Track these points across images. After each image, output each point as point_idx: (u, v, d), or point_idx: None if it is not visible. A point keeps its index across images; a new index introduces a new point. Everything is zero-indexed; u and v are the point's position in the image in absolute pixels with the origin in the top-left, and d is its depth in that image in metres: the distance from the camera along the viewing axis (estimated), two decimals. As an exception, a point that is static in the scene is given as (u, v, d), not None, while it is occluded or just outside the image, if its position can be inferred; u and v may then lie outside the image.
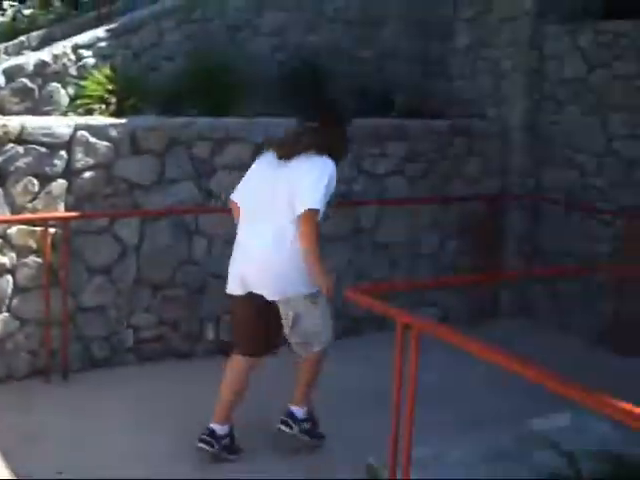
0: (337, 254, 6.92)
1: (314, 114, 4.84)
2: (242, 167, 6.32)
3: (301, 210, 4.44)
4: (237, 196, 4.84)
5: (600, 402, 2.67)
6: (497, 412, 5.44)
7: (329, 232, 6.84)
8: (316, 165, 4.57)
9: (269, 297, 4.63)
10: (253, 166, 4.88)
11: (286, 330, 4.71)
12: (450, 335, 3.39)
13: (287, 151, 4.63)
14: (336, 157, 4.71)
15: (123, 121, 6.28)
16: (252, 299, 4.66)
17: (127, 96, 7.05)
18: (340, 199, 6.90)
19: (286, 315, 4.66)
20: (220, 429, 4.76)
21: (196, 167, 6.42)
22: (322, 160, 4.60)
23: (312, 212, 4.45)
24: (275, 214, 4.56)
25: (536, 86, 7.82)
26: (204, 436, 4.73)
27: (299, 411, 4.91)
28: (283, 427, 4.90)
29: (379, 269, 7.18)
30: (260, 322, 4.73)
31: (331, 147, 4.69)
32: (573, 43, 7.58)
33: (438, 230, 7.52)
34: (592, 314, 7.31)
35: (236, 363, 4.80)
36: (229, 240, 4.99)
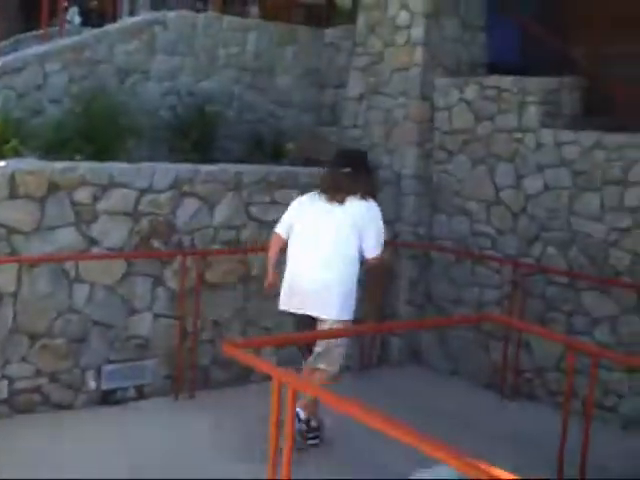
0: (225, 303, 6.80)
1: (354, 163, 5.73)
2: (126, 213, 6.28)
3: (374, 254, 5.56)
4: (283, 229, 5.75)
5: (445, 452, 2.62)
6: (383, 463, 5.35)
7: (216, 280, 6.74)
8: (374, 212, 5.60)
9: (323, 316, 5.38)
10: (299, 205, 5.76)
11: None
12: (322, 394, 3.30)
13: (342, 196, 5.51)
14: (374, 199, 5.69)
15: (2, 164, 6.05)
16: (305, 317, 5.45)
17: (7, 139, 6.82)
18: (228, 246, 6.84)
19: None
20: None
21: (77, 213, 6.21)
22: (375, 207, 5.63)
23: (381, 255, 5.62)
24: (334, 244, 5.43)
25: (427, 135, 7.91)
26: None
27: (302, 412, 5.42)
28: (311, 442, 5.54)
29: (269, 317, 7.06)
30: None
31: (372, 191, 5.76)
32: (461, 96, 7.71)
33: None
34: (481, 360, 7.35)
35: None
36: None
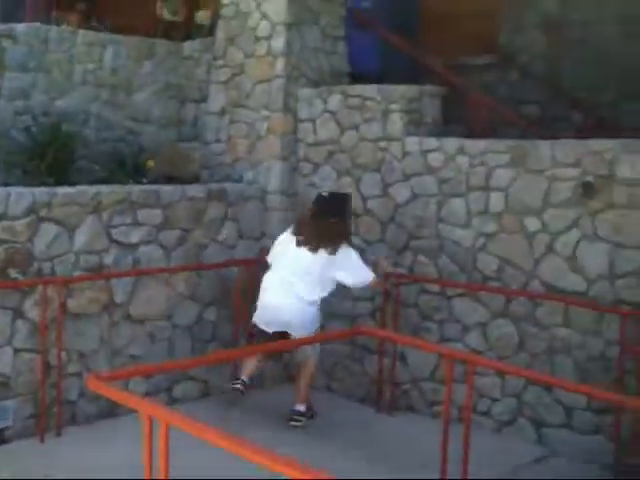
0: (90, 332, 6.48)
1: (339, 211, 6.69)
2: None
3: (370, 279, 6.46)
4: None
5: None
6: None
7: (79, 309, 6.41)
8: (349, 251, 6.40)
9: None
10: (284, 240, 6.62)
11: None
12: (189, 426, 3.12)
13: (316, 246, 6.32)
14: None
15: None
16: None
17: None
18: (91, 272, 6.51)
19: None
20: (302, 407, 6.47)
21: None
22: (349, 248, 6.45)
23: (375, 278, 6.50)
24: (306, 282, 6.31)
25: (292, 148, 7.79)
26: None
27: (302, 407, 6.46)
28: (294, 423, 6.40)
29: (136, 345, 6.78)
30: None
31: (349, 237, 6.71)
32: (325, 106, 7.63)
33: (197, 299, 7.24)
34: (357, 373, 7.28)
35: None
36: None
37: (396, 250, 7.07)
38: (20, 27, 8.05)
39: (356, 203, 7.30)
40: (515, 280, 6.37)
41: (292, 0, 7.83)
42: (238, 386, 6.40)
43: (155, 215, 6.95)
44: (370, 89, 7.38)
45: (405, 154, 7.07)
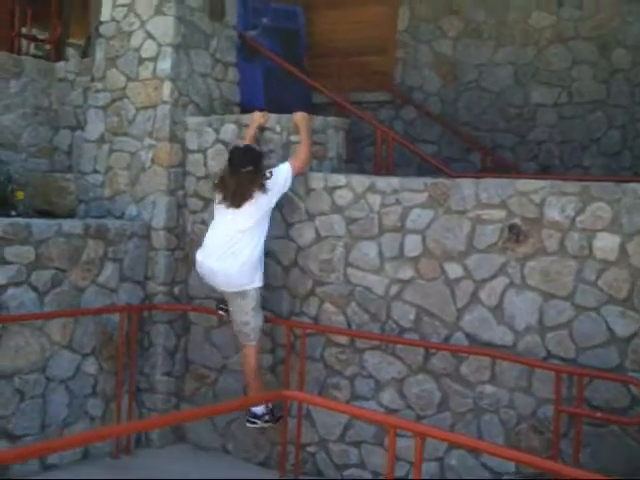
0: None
1: (251, 159, 6.12)
2: None
3: (290, 164, 6.22)
4: None
5: None
6: None
7: None
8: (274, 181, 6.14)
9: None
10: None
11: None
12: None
13: (239, 201, 6.01)
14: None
15: None
16: None
17: None
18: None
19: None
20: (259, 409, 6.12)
21: None
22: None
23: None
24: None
25: (179, 182, 7.05)
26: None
27: (259, 409, 6.10)
28: (249, 424, 6.17)
29: (3, 405, 5.82)
30: None
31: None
32: (217, 137, 6.94)
33: (74, 349, 6.34)
34: (256, 434, 6.53)
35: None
36: None
37: (300, 297, 6.41)
38: None
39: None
40: (435, 331, 5.80)
41: (180, 19, 7.17)
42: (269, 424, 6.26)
43: (26, 253, 6.04)
44: (270, 119, 6.73)
45: (309, 191, 6.45)
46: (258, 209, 6.04)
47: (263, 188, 6.03)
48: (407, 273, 5.95)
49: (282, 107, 8.68)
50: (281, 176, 6.14)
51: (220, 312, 6.43)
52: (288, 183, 6.20)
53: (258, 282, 6.11)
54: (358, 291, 6.14)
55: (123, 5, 7.40)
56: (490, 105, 9.00)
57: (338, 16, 9.88)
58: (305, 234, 6.44)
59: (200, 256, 6.19)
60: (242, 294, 6.04)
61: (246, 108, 7.74)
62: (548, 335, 5.40)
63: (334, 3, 9.90)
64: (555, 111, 8.68)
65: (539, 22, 8.85)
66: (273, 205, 6.17)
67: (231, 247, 5.99)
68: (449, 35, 9.29)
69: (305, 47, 9.83)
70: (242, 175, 6.02)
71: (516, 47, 8.93)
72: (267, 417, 6.14)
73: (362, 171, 8.11)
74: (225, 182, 6.13)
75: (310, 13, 9.89)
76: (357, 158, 8.48)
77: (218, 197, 6.18)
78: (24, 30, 9.51)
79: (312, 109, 9.07)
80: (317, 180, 6.43)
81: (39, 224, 6.23)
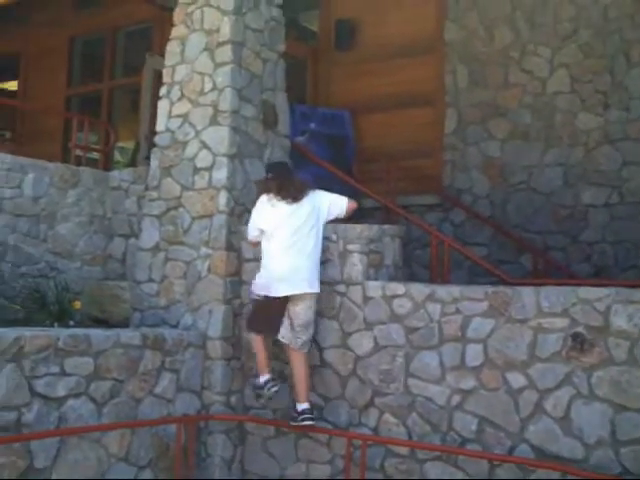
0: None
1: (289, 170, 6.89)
2: None
3: (344, 203, 6.72)
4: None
5: None
6: None
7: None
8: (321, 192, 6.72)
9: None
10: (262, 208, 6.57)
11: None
12: None
13: (299, 196, 6.50)
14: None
15: None
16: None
17: None
18: (5, 433, 5.50)
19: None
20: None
21: None
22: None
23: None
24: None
25: (235, 291, 7.06)
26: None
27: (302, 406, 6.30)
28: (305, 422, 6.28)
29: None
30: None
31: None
32: (273, 245, 6.98)
33: (131, 461, 6.26)
34: None
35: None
36: None
37: (359, 408, 6.33)
38: None
39: (312, 353, 6.56)
40: (499, 442, 5.68)
41: (235, 129, 7.28)
42: (274, 389, 6.43)
43: (85, 364, 6.04)
44: (326, 228, 6.76)
45: (367, 300, 6.43)
46: (313, 208, 6.50)
47: (312, 190, 6.61)
48: (469, 383, 5.86)
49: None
50: (337, 197, 6.71)
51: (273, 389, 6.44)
52: (338, 211, 6.64)
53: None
54: (419, 401, 6.05)
55: (178, 116, 7.56)
56: (540, 206, 9.01)
57: (385, 119, 10.03)
58: (364, 343, 6.39)
59: (281, 256, 6.36)
60: (313, 295, 6.38)
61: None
62: (622, 450, 5.25)
63: (381, 106, 10.06)
64: (607, 211, 8.67)
65: (586, 124, 8.91)
66: (323, 220, 6.58)
67: (296, 242, 6.35)
68: (497, 137, 9.37)
69: (353, 151, 9.98)
70: (295, 178, 6.69)
71: (564, 148, 8.99)
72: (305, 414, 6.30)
73: (413, 275, 8.11)
74: (283, 185, 6.52)
75: (357, 117, 10.07)
76: (407, 261, 8.47)
77: (276, 198, 6.49)
78: (77, 137, 9.71)
79: (361, 213, 9.18)
80: (375, 289, 6.41)
81: (98, 335, 6.24)
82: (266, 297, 6.38)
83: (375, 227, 6.80)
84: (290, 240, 6.35)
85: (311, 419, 6.27)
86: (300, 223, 6.39)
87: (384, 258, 6.76)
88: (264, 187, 6.70)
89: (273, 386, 6.38)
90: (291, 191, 6.49)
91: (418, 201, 9.42)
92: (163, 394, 6.57)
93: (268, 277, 6.39)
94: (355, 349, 6.42)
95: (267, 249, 6.48)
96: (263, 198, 6.60)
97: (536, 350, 5.63)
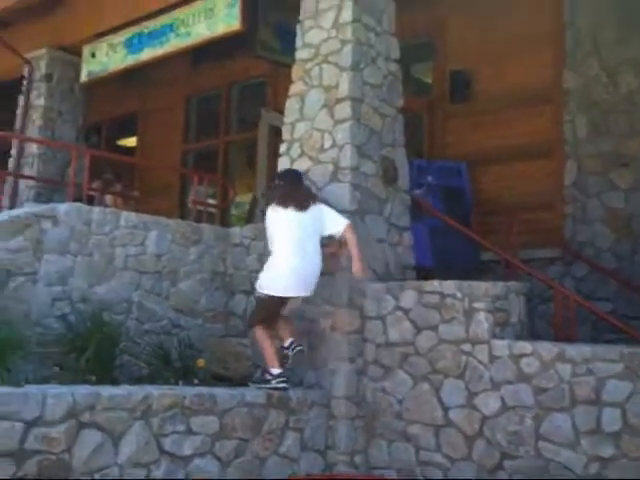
0: None
1: (299, 180, 7.18)
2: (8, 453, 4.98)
3: (341, 226, 6.90)
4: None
5: None
6: None
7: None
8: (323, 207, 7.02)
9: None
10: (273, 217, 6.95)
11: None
12: None
13: (304, 204, 6.89)
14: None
15: None
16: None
17: None
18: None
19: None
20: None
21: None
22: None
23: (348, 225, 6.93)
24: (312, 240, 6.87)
25: (359, 349, 6.99)
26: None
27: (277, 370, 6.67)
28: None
29: None
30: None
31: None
32: (396, 303, 6.90)
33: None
34: None
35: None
36: None
37: (486, 470, 6.14)
38: (62, 207, 7.42)
39: (435, 414, 6.42)
40: (642, 515, 5.42)
41: (355, 186, 7.28)
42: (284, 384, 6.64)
43: (211, 423, 6.06)
44: (449, 285, 6.66)
45: (493, 359, 6.27)
46: (314, 220, 6.84)
47: (316, 202, 6.97)
48: (607, 450, 5.61)
49: (450, 265, 8.69)
50: (337, 217, 6.95)
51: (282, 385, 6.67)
52: (334, 230, 6.90)
53: None
54: (553, 466, 5.83)
55: (299, 174, 7.60)
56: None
57: (503, 171, 9.87)
58: (490, 403, 6.22)
59: (291, 257, 6.73)
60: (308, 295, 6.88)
61: (414, 267, 7.75)
62: None
63: (498, 158, 9.90)
64: None
65: None
66: (320, 233, 6.89)
67: (300, 248, 6.75)
68: (620, 187, 9.09)
69: (471, 204, 9.84)
70: (302, 189, 7.04)
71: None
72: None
73: (535, 331, 7.88)
74: (288, 194, 6.92)
75: (475, 169, 9.95)
76: (529, 317, 8.26)
77: (280, 206, 6.88)
78: (197, 193, 9.90)
79: (480, 266, 9.04)
80: (501, 348, 6.26)
81: (223, 394, 6.25)
82: (269, 296, 6.74)
83: (500, 284, 6.65)
84: (294, 245, 6.75)
85: (286, 382, 6.63)
86: (303, 230, 6.80)
87: (510, 316, 6.60)
88: (269, 196, 7.40)
89: (282, 382, 6.62)
90: (295, 200, 6.87)
91: (538, 254, 9.18)
92: (287, 453, 6.53)
93: (273, 277, 6.78)
94: (482, 409, 6.25)
95: (273, 252, 6.88)
96: (269, 208, 7.04)
97: (680, 414, 5.38)
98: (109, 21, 10.89)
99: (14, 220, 7.14)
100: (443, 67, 10.67)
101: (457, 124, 10.37)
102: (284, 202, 6.87)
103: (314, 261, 6.79)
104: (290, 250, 6.74)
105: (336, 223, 6.88)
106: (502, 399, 6.18)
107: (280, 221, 6.86)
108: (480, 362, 6.33)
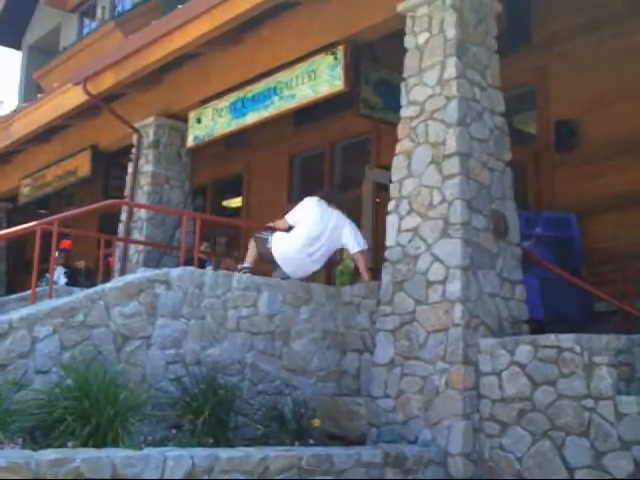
0: None
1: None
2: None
3: (355, 246, 8.69)
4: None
5: None
6: None
7: None
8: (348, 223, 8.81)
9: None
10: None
11: None
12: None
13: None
14: None
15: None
16: None
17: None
18: None
19: None
20: None
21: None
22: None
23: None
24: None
25: (474, 405, 6.83)
26: None
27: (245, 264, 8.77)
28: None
29: None
30: None
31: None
32: (511, 358, 6.73)
33: None
34: None
35: None
36: None
37: (620, 533, 5.88)
38: (174, 272, 7.55)
39: (559, 474, 6.20)
40: None
41: (466, 241, 7.19)
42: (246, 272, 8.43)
43: (332, 495, 6.00)
44: (566, 339, 6.45)
45: (620, 416, 6.02)
46: (335, 229, 8.62)
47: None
48: None
49: (562, 318, 8.46)
50: (356, 236, 8.71)
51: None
52: (349, 247, 8.76)
53: None
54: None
55: (408, 230, 7.58)
56: None
57: (615, 219, 9.58)
58: (621, 464, 5.95)
59: (297, 246, 8.53)
60: None
61: (526, 321, 7.58)
62: None
63: (610, 206, 9.62)
64: None
65: None
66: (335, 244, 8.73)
67: (312, 243, 8.55)
68: None
69: (580, 253, 9.60)
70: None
71: None
72: None
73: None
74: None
75: (584, 218, 9.70)
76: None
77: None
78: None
79: (594, 318, 8.76)
80: (629, 405, 6.00)
81: (339, 454, 6.19)
82: (268, 249, 8.58)
83: (623, 337, 6.42)
84: (309, 238, 8.45)
85: (249, 270, 8.43)
86: (322, 230, 8.52)
87: (635, 370, 6.35)
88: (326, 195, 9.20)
89: (247, 271, 8.35)
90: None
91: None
92: (409, 493, 6.40)
93: (280, 250, 8.52)
94: (612, 470, 5.99)
95: (294, 232, 8.58)
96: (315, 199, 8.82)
97: None
98: (215, 87, 11.13)
99: (128, 285, 7.29)
100: (547, 116, 10.51)
101: (564, 174, 10.15)
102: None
103: (319, 261, 8.62)
104: (305, 242, 8.45)
105: (350, 241, 8.66)
106: (634, 460, 5.90)
107: (310, 214, 8.55)
108: (605, 419, 6.09)
